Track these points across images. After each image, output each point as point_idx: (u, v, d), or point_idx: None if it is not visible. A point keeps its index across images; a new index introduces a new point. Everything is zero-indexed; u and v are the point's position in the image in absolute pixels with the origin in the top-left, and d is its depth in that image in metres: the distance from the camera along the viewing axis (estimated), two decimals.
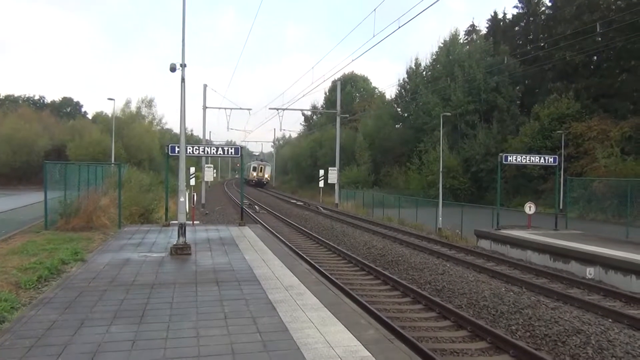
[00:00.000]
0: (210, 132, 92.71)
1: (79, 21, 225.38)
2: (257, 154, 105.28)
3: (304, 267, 11.62)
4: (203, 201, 38.90)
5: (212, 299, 8.33)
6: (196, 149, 18.98)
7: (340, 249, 18.57)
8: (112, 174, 27.83)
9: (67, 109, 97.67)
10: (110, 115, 57.46)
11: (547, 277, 14.74)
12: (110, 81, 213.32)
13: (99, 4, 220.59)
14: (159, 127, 78.18)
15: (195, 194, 22.99)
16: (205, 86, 41.70)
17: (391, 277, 13.71)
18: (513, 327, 9.84)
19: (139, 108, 72.93)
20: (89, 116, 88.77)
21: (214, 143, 69.42)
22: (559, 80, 47.80)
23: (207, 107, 41.64)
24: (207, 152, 19.48)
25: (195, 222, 21.09)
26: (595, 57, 46.20)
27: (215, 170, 59.46)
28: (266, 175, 79.50)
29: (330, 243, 19.90)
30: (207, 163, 38.72)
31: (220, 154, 19.61)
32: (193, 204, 22.21)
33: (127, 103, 70.42)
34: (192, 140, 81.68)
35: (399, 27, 24.29)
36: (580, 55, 44.12)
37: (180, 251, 12.52)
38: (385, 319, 9.42)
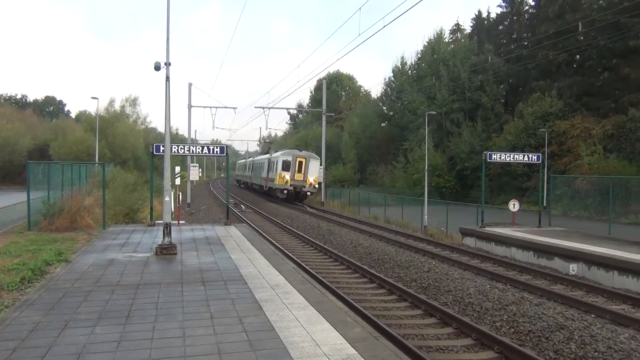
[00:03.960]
0: (195, 130, 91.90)
1: (62, 18, 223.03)
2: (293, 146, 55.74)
3: (291, 266, 11.62)
4: (188, 200, 38.68)
5: (198, 298, 8.30)
6: (181, 148, 18.88)
7: (326, 247, 18.59)
8: (96, 173, 27.60)
9: (50, 107, 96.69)
10: (93, 114, 56.97)
11: (531, 273, 14.89)
12: (94, 80, 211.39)
13: (83, 0, 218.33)
14: (143, 126, 77.62)
15: (180, 193, 22.84)
16: (190, 85, 41.44)
17: (377, 275, 13.76)
18: (498, 324, 9.94)
19: (123, 107, 72.34)
20: (72, 115, 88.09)
21: (200, 142, 68.57)
22: (542, 78, 48.33)
23: (192, 106, 41.40)
24: (193, 151, 19.39)
25: (180, 221, 20.97)
26: (577, 56, 46.79)
27: (200, 170, 59.07)
28: (311, 179, 39.73)
29: (316, 242, 19.92)
30: (192, 162, 38.49)
31: (205, 153, 19.52)
32: (178, 204, 22.08)
33: (111, 102, 69.81)
34: (177, 139, 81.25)
35: (384, 26, 24.32)
36: (563, 54, 44.66)
37: (166, 251, 12.45)
38: (372, 317, 9.45)
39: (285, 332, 6.56)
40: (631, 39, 36.52)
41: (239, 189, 63.41)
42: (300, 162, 39.85)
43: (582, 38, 42.44)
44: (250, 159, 63.50)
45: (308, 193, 40.18)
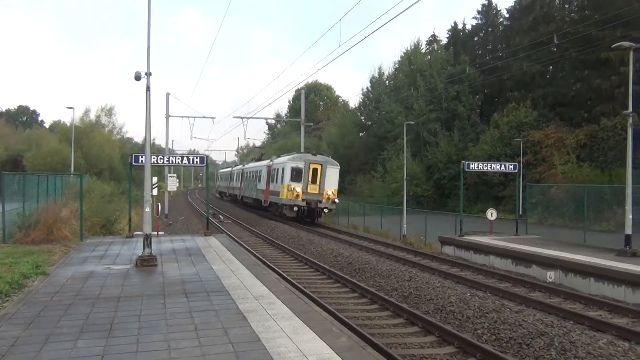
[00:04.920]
0: (172, 140, 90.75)
1: (35, 25, 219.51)
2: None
3: (273, 276, 11.58)
4: (166, 212, 38.29)
5: (182, 310, 8.22)
6: (160, 158, 18.71)
7: (307, 257, 18.57)
8: (72, 184, 27.16)
9: (23, 117, 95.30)
10: (68, 124, 56.29)
11: (509, 281, 15.10)
12: (68, 89, 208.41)
13: (56, 7, 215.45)
14: (119, 136, 76.97)
15: (159, 204, 22.64)
16: (168, 94, 41.18)
17: (359, 285, 13.79)
18: (479, 331, 10.04)
19: (98, 117, 71.82)
20: (46, 125, 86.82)
21: (177, 152, 67.33)
22: (517, 89, 49.31)
23: (170, 116, 41.09)
24: (172, 161, 19.23)
25: (159, 232, 20.76)
26: (550, 67, 47.84)
27: (178, 180, 57.99)
28: (329, 192, 31.07)
29: (297, 252, 19.88)
30: (170, 172, 38.15)
31: (185, 163, 19.38)
32: (157, 214, 21.87)
33: (86, 112, 69.18)
34: (153, 149, 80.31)
35: (365, 37, 24.47)
36: (536, 66, 45.64)
37: (146, 262, 12.30)
38: (355, 327, 9.47)
39: (271, 343, 6.54)
40: (602, 51, 37.47)
41: (220, 201, 60.08)
42: (315, 170, 30.87)
43: (555, 50, 43.44)
44: (239, 166, 53.95)
45: (325, 210, 31.31)
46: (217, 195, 70.27)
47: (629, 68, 17.23)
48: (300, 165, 30.68)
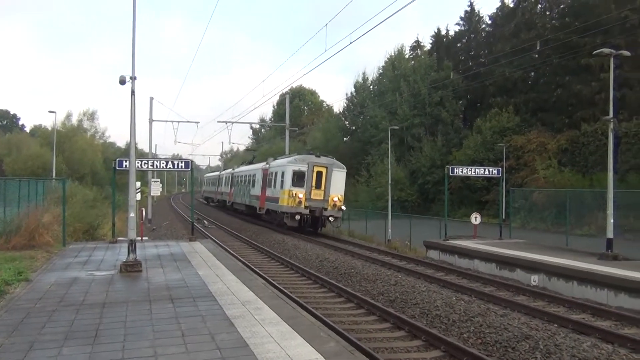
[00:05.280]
0: (156, 145, 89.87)
1: (16, 28, 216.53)
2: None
3: (259, 281, 11.55)
4: (149, 216, 37.94)
5: (168, 316, 8.15)
6: (145, 163, 18.56)
7: (293, 262, 18.54)
8: (54, 189, 26.82)
9: (3, 121, 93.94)
10: (49, 129, 55.66)
11: (494, 285, 15.21)
12: (50, 93, 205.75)
13: (37, 10, 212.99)
14: (101, 141, 76.28)
15: (143, 209, 22.45)
16: (151, 99, 40.82)
17: (345, 290, 13.80)
18: (465, 335, 10.10)
19: (80, 121, 71.07)
20: (27, 129, 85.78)
21: (161, 156, 66.47)
22: (499, 94, 49.86)
23: (153, 120, 40.74)
24: (157, 166, 19.09)
25: (143, 238, 20.56)
26: (532, 73, 48.47)
27: (161, 185, 57.13)
28: (335, 198, 27.37)
29: (282, 257, 19.84)
30: (153, 177, 37.83)
31: (170, 167, 19.26)
32: (141, 220, 21.66)
33: (68, 116, 68.50)
34: (137, 153, 79.73)
35: (351, 43, 24.57)
36: (518, 71, 46.23)
37: (131, 268, 12.18)
38: (343, 332, 9.47)
39: (259, 349, 6.51)
40: (582, 57, 38.08)
41: (205, 207, 58.57)
42: (320, 173, 27.37)
43: (536, 56, 44.05)
44: (229, 170, 50.70)
45: (330, 218, 27.68)
46: (203, 200, 69.39)
47: (610, 74, 17.56)
48: (303, 168, 27.22)
